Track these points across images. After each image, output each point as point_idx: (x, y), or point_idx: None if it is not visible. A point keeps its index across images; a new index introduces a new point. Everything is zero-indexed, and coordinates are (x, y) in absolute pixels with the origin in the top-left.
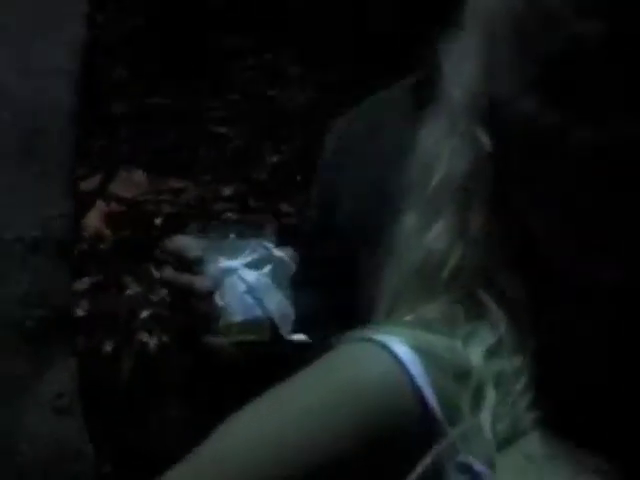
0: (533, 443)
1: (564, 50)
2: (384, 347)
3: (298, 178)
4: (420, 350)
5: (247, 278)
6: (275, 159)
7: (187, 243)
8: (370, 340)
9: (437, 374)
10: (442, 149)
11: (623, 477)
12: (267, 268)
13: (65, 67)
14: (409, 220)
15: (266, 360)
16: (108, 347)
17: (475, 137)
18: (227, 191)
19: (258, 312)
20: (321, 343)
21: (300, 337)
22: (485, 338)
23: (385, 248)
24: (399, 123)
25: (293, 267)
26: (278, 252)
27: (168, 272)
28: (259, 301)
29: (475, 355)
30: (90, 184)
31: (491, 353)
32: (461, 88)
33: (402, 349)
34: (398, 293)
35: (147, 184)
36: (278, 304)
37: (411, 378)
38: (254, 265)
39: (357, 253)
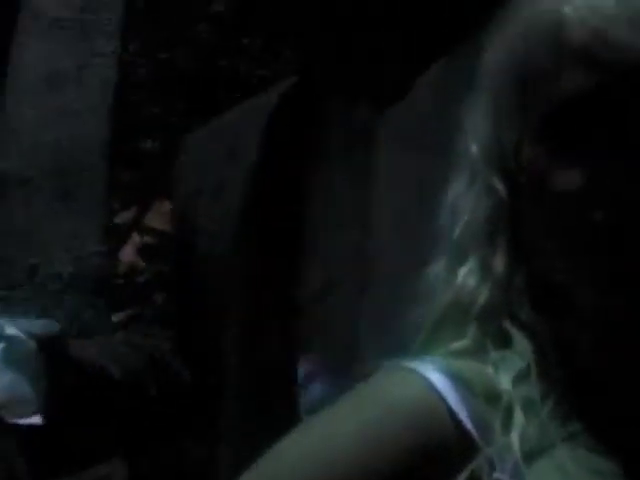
0: (562, 454)
1: (557, 101)
2: (419, 374)
3: None
4: (452, 376)
5: None
6: None
7: None
8: (406, 369)
9: (469, 397)
10: (465, 199)
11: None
12: None
13: (97, 105)
14: (439, 264)
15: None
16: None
17: (492, 186)
18: None
19: None
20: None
21: (32, 420)
22: (513, 365)
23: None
24: (258, 142)
25: (32, 344)
26: (11, 330)
27: None
28: None
29: (504, 380)
30: (124, 217)
31: (519, 379)
32: (477, 142)
33: (436, 376)
34: (432, 329)
35: None
36: (5, 385)
37: (445, 401)
38: None
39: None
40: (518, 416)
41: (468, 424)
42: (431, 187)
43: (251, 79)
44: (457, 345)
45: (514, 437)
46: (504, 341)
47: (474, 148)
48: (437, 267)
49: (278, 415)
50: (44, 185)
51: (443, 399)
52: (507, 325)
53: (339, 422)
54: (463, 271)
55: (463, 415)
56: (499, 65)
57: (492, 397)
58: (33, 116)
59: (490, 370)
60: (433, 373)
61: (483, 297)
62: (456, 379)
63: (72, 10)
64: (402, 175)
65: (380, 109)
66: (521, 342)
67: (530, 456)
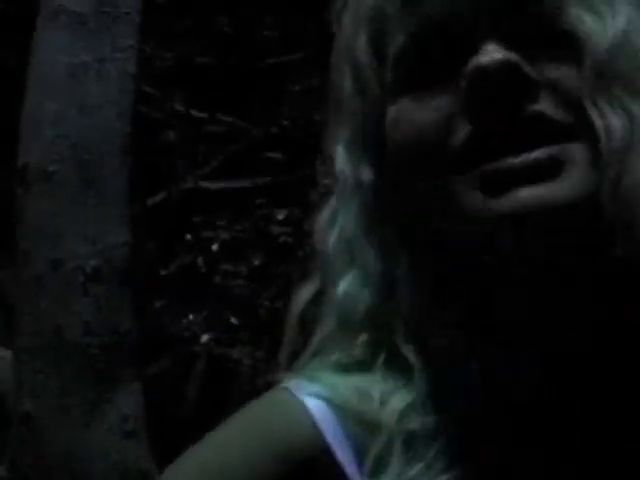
0: None
1: (394, 53)
2: (295, 397)
3: None
4: (334, 404)
5: None
6: (327, 181)
7: None
8: (285, 390)
9: (349, 428)
10: (336, 208)
11: None
12: None
13: (118, 99)
14: (314, 282)
15: None
16: (173, 370)
17: (359, 182)
18: (281, 215)
19: None
20: None
21: None
22: (401, 391)
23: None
24: None
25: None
26: None
27: None
28: None
29: (390, 410)
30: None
31: (406, 409)
32: (341, 141)
33: (315, 403)
34: (320, 343)
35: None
36: None
37: (321, 432)
38: None
39: None
40: (396, 454)
41: (342, 459)
42: None
43: (271, 71)
44: (346, 359)
45: None
46: (396, 356)
47: (339, 149)
48: (312, 285)
49: None
50: (67, 179)
51: (319, 429)
52: (398, 337)
53: (215, 448)
54: (341, 280)
55: (338, 446)
56: (350, 35)
57: (373, 427)
58: (54, 110)
59: (376, 394)
60: (311, 397)
61: (363, 304)
62: (338, 407)
63: (92, 4)
64: None
65: None
66: (414, 360)
67: None
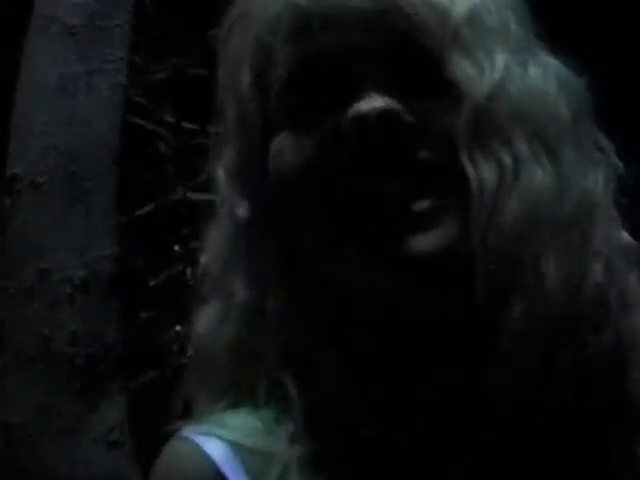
0: None
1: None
2: (195, 445)
3: None
4: (229, 441)
5: None
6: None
7: None
8: (183, 440)
9: (247, 463)
10: (212, 232)
11: None
12: None
13: (107, 111)
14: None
15: None
16: (160, 381)
17: (233, 208)
18: None
19: None
20: None
21: None
22: (287, 421)
23: None
24: None
25: None
26: None
27: None
28: None
29: (278, 439)
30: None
31: (293, 438)
32: (224, 166)
33: (213, 444)
34: (199, 379)
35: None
36: None
37: (222, 472)
38: None
39: None
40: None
41: None
42: None
43: None
44: (235, 399)
45: None
46: (275, 386)
47: (220, 173)
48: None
49: None
50: (55, 190)
51: (219, 470)
52: (276, 368)
53: None
54: (202, 312)
55: None
56: (234, 63)
57: (268, 458)
58: (44, 121)
59: (264, 425)
60: (208, 439)
61: (224, 338)
62: (231, 442)
63: (82, 16)
64: None
65: None
66: (290, 390)
67: None
